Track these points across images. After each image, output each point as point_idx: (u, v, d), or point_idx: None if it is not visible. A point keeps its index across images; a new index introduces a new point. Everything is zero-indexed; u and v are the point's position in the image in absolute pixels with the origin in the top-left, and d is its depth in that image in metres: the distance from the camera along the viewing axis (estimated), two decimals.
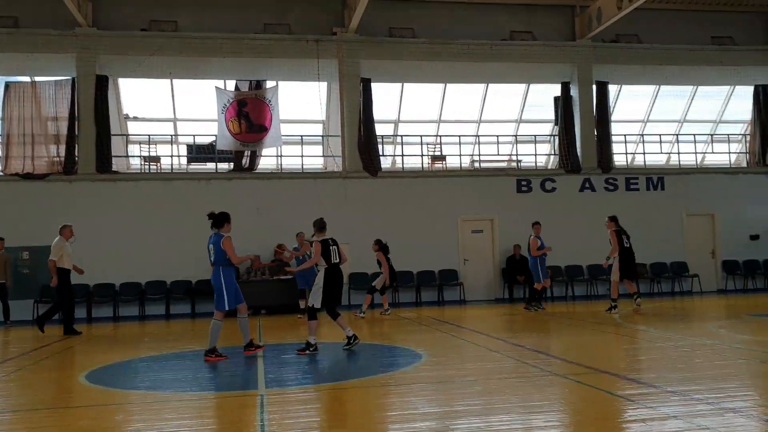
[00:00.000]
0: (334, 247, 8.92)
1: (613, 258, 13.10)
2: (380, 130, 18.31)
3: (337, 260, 8.91)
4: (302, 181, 17.51)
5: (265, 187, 17.24)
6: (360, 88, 17.75)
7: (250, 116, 17.05)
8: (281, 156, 17.99)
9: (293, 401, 5.98)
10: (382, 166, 18.02)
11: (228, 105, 17.00)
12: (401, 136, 18.87)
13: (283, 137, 17.47)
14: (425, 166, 18.64)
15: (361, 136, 17.65)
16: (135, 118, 18.15)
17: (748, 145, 20.34)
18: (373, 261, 14.34)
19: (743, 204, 19.43)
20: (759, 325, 10.78)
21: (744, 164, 20.28)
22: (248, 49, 17.20)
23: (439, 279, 17.72)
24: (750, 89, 20.05)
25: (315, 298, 8.77)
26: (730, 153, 20.52)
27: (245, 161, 17.54)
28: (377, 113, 18.05)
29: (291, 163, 18.10)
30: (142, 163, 17.64)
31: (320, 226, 9.06)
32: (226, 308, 8.45)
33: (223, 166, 17.72)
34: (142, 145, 17.78)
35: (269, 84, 17.52)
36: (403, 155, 18.65)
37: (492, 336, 10.27)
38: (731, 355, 7.78)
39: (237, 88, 17.49)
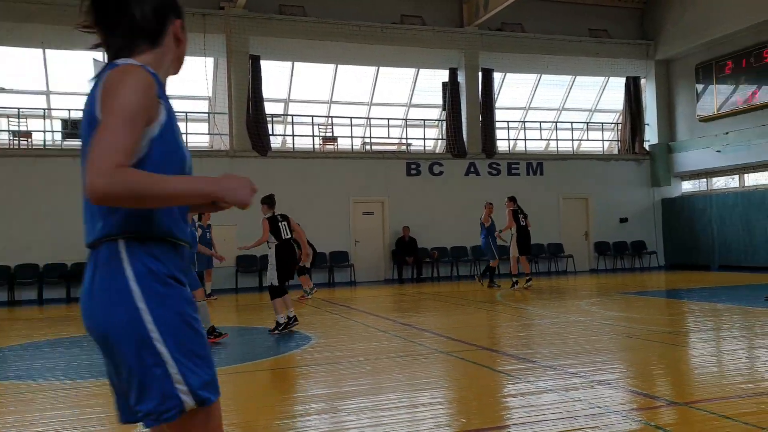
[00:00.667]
0: (283, 222, 8.84)
1: (504, 233, 14.18)
2: (270, 108, 18.00)
3: (288, 236, 8.82)
4: None
5: None
6: (249, 64, 17.33)
7: None
8: None
9: None
10: (272, 145, 17.75)
11: None
12: (292, 115, 18.64)
13: None
14: (316, 146, 18.54)
15: (249, 114, 17.28)
16: (2, 90, 16.79)
17: (619, 133, 21.71)
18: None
19: (614, 189, 20.77)
20: (626, 303, 11.59)
21: (615, 151, 21.64)
22: None
23: (330, 260, 17.75)
24: (622, 81, 21.36)
25: (272, 277, 8.67)
26: (603, 140, 21.82)
27: None
28: (267, 91, 17.72)
29: None
30: (11, 138, 16.38)
31: (269, 202, 8.92)
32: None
33: None
34: (11, 119, 16.50)
35: None
36: (293, 135, 18.44)
37: (381, 316, 10.43)
38: (601, 330, 8.33)
39: None
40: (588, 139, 21.71)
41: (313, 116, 18.57)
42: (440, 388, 5.59)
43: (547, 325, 8.95)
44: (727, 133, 18.76)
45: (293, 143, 18.40)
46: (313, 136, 18.49)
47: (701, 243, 19.57)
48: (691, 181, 20.96)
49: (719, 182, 20.06)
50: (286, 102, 18.72)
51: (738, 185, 19.30)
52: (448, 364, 6.49)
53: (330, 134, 18.86)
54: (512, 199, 14.48)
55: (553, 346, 7.23)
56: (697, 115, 19.93)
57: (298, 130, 18.57)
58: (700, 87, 19.84)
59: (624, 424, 4.21)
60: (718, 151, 18.98)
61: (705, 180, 20.47)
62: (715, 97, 19.28)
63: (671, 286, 14.93)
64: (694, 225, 19.82)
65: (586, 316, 9.65)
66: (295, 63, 18.34)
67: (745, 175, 19.10)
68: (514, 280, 14.11)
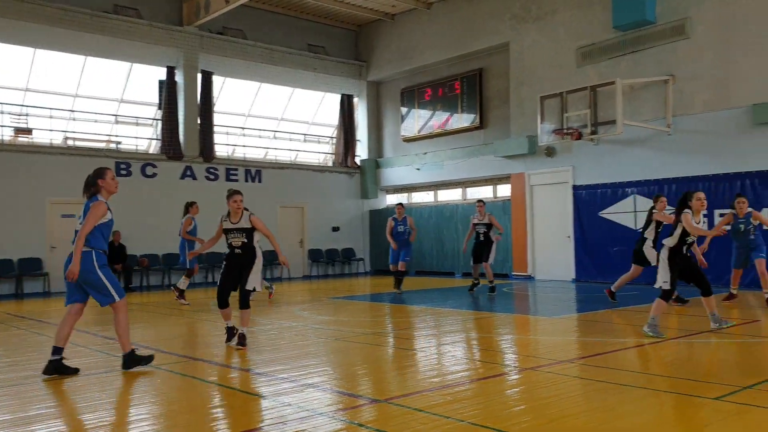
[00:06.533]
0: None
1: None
2: None
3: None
4: None
5: None
6: None
7: None
8: None
9: None
10: None
11: None
12: None
13: None
14: (7, 138, 16.31)
15: None
16: None
17: (334, 147, 22.87)
18: None
19: (328, 199, 21.81)
20: (336, 307, 12.19)
21: (330, 164, 22.73)
22: None
23: (19, 269, 15.70)
24: (338, 97, 22.55)
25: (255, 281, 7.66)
26: (319, 153, 22.77)
27: None
28: None
29: None
30: None
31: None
32: None
33: None
34: None
35: None
36: None
37: (80, 330, 9.50)
38: (312, 334, 8.63)
39: None
40: (305, 151, 22.47)
41: (3, 103, 16.31)
42: (147, 404, 5.26)
43: (260, 332, 8.98)
44: (425, 153, 20.90)
45: None
46: (3, 126, 16.24)
47: None
48: (395, 195, 22.89)
49: (418, 197, 22.24)
50: None
51: (433, 200, 21.59)
52: (157, 378, 6.13)
53: (25, 125, 16.74)
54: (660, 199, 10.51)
55: (266, 353, 7.28)
56: (401, 135, 21.87)
57: None
58: (404, 110, 21.81)
59: (330, 424, 4.38)
60: (418, 169, 21.05)
61: (406, 194, 22.53)
62: (416, 120, 21.36)
63: (375, 290, 16.08)
64: None
65: (298, 321, 9.92)
66: None
67: (439, 191, 21.47)
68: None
